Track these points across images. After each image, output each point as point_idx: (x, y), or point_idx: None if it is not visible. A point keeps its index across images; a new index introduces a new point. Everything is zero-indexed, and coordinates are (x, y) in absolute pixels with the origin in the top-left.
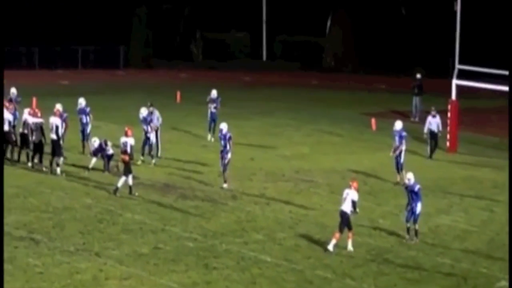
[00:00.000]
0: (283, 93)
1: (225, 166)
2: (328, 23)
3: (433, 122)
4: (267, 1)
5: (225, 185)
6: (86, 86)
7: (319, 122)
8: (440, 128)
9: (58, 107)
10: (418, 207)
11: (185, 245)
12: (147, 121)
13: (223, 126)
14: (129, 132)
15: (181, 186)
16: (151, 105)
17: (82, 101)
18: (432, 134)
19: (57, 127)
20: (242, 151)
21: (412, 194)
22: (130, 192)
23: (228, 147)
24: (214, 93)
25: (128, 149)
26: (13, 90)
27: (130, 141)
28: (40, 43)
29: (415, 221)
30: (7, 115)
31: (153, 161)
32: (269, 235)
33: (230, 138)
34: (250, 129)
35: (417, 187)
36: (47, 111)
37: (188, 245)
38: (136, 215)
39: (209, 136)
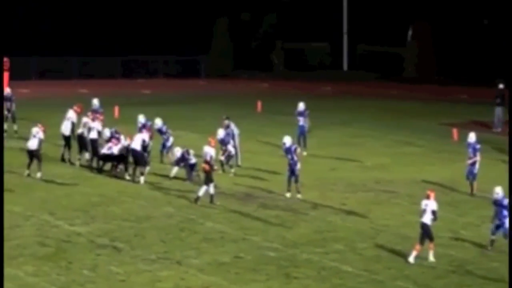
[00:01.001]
0: (363, 103)
1: (296, 178)
2: (409, 33)
3: None
4: (348, 11)
5: (299, 196)
6: (167, 95)
7: (399, 133)
8: None
9: (141, 119)
10: (507, 221)
11: (265, 254)
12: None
13: (287, 140)
14: (212, 143)
15: (262, 196)
16: (227, 118)
17: (158, 122)
18: None
19: (143, 140)
20: (323, 161)
21: (501, 208)
22: (211, 201)
23: (295, 158)
24: (301, 106)
25: (208, 159)
26: (95, 102)
27: (212, 151)
28: (122, 53)
29: (505, 236)
30: (97, 125)
31: (233, 170)
32: (349, 245)
33: (295, 150)
34: (330, 139)
35: (506, 201)
36: (128, 120)
37: (268, 254)
38: (217, 224)
39: (299, 150)
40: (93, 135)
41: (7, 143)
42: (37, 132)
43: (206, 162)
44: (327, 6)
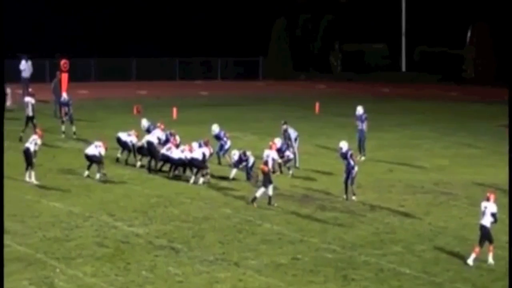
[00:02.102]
0: (422, 105)
1: (352, 180)
2: (468, 34)
3: None
4: (406, 12)
5: (354, 198)
6: (225, 97)
7: (458, 134)
8: None
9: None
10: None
11: (323, 256)
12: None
13: (343, 145)
14: (274, 146)
15: (320, 197)
16: (285, 122)
17: (215, 128)
18: None
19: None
20: (381, 163)
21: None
22: (270, 203)
23: (352, 162)
24: (359, 109)
25: (270, 162)
26: (144, 123)
27: (273, 154)
28: (180, 54)
29: None
30: (160, 134)
31: (291, 172)
32: (408, 247)
33: (351, 155)
34: (389, 141)
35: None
36: (187, 122)
37: (326, 256)
38: (275, 225)
39: (359, 156)
40: (152, 138)
41: (66, 144)
42: (99, 146)
43: (265, 163)
44: (385, 7)
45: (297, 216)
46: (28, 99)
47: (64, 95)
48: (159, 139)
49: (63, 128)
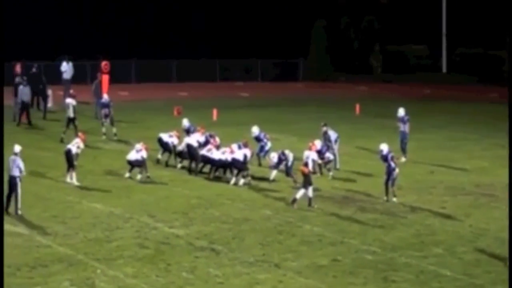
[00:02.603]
0: (462, 106)
1: (393, 181)
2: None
3: None
4: (446, 13)
5: (394, 199)
6: (265, 98)
7: (498, 136)
8: None
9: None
10: None
11: (363, 257)
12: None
13: (383, 147)
14: (313, 148)
15: (360, 199)
16: (325, 124)
17: (255, 130)
18: None
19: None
20: (422, 165)
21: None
22: (310, 204)
23: (393, 164)
24: (400, 111)
25: (310, 163)
26: (185, 123)
27: (313, 155)
28: (220, 56)
29: None
30: (199, 137)
31: (331, 173)
32: (448, 249)
33: (392, 157)
34: (429, 142)
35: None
36: (227, 123)
37: (366, 257)
38: (315, 227)
39: (401, 158)
40: (191, 141)
41: (107, 146)
42: (140, 150)
43: (305, 164)
44: (426, 8)
45: (337, 218)
46: (69, 100)
47: (105, 96)
48: (198, 142)
49: (103, 129)
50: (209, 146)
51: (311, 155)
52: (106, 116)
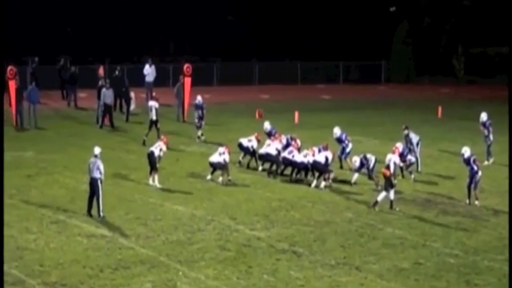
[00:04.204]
0: None
1: (476, 184)
2: None
3: None
4: None
5: (476, 202)
6: (347, 101)
7: None
8: None
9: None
10: None
11: (446, 261)
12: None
13: (465, 151)
14: (396, 151)
15: (442, 202)
16: (406, 127)
17: (337, 131)
18: None
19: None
20: (505, 167)
21: None
22: (391, 207)
23: (475, 168)
24: (483, 116)
25: (392, 166)
26: (267, 125)
27: (395, 158)
28: (303, 57)
29: None
30: (278, 145)
31: (413, 176)
32: None
33: (474, 160)
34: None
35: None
36: (308, 126)
37: (449, 261)
38: (396, 230)
39: (486, 162)
40: (270, 150)
41: (189, 148)
42: (223, 153)
43: (387, 167)
44: (509, 10)
45: (419, 221)
46: (152, 103)
47: (199, 98)
48: (277, 150)
49: (199, 132)
50: (290, 149)
51: (393, 158)
52: (201, 118)
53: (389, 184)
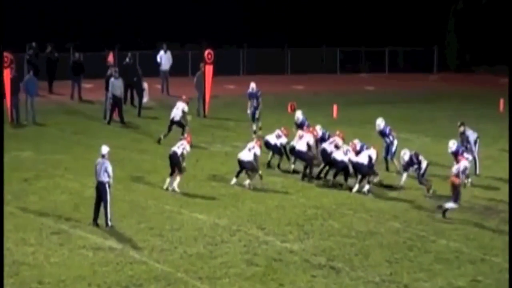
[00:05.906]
0: None
1: None
2: None
3: None
4: None
5: None
6: (393, 93)
7: None
8: None
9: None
10: None
11: (508, 278)
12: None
13: None
14: (462, 158)
15: (504, 210)
16: (462, 124)
17: (380, 122)
18: None
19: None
20: None
21: None
22: (444, 215)
23: None
24: None
25: (461, 173)
26: (299, 115)
27: (464, 164)
28: (342, 44)
29: None
30: (310, 139)
31: (469, 180)
32: None
33: None
34: None
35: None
36: (349, 121)
37: None
38: (451, 242)
39: None
40: (300, 146)
41: (211, 147)
42: (253, 147)
43: (457, 175)
44: None
45: (478, 231)
46: (181, 104)
47: (253, 85)
48: (308, 145)
49: (254, 127)
50: (332, 139)
51: (462, 165)
52: (255, 108)
53: (457, 194)
